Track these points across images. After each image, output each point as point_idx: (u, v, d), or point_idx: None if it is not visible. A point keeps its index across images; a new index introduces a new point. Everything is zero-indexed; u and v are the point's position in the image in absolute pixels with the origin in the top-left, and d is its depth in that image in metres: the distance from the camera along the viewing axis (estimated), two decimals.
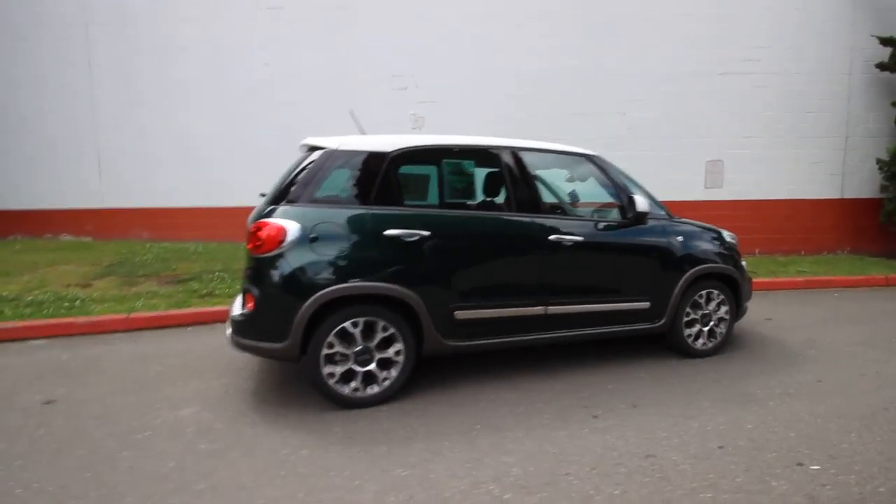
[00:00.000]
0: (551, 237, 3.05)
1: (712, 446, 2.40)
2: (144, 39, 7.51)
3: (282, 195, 2.75)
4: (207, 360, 3.49)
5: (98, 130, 7.59)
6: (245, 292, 2.72)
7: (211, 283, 5.47)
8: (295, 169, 2.85)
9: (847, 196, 7.84)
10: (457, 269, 2.85)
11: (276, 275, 2.60)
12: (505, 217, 3.04)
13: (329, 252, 2.63)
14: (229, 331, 2.79)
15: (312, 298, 2.54)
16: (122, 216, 7.77)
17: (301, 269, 2.59)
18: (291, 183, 2.76)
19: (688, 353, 3.60)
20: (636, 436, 2.49)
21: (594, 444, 2.41)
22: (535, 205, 3.09)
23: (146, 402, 2.81)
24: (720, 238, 3.75)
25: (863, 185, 7.79)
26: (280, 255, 2.60)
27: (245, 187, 7.86)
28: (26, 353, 3.70)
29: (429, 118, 7.53)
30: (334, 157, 2.78)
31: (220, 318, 4.43)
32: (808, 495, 2.00)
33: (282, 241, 2.58)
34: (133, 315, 4.31)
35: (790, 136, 7.69)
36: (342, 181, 2.82)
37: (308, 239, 2.61)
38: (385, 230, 2.71)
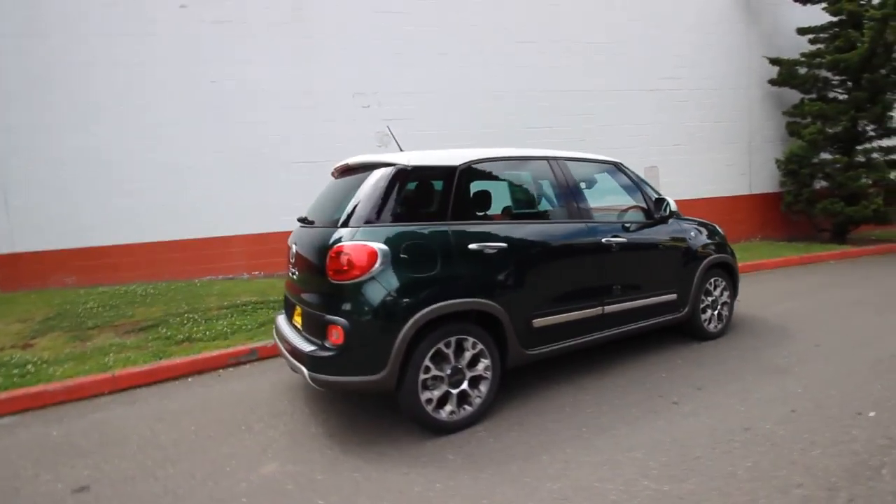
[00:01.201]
0: (603, 240, 3.22)
1: (785, 411, 2.69)
2: (62, 54, 6.52)
3: (353, 216, 2.58)
4: (241, 410, 3.10)
5: (4, 159, 6.37)
6: (325, 325, 2.48)
7: (184, 328, 4.84)
8: (362, 188, 2.69)
9: (755, 192, 9.24)
10: (532, 278, 2.88)
11: (370, 300, 2.42)
12: (569, 224, 3.14)
13: (418, 271, 2.52)
14: (307, 371, 2.51)
15: (412, 321, 2.40)
16: (39, 260, 6.56)
17: (396, 292, 2.44)
18: (362, 203, 2.61)
19: (704, 336, 3.97)
20: (720, 414, 2.70)
21: (695, 427, 2.56)
22: (588, 211, 3.25)
23: (209, 468, 2.42)
24: (716, 231, 4.23)
25: (766, 181, 9.24)
26: (371, 279, 2.42)
27: (195, 217, 7.16)
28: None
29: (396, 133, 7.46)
30: (406, 174, 2.68)
31: (219, 364, 3.98)
32: (886, 436, 2.34)
33: (373, 265, 2.41)
34: (119, 373, 3.66)
35: (708, 142, 8.89)
36: (417, 198, 2.72)
37: (397, 259, 2.47)
38: (468, 244, 2.66)
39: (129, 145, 6.74)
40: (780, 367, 3.35)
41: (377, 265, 2.42)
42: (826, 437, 2.37)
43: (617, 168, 3.67)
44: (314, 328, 2.63)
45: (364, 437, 2.65)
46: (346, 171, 3.14)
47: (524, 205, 3.18)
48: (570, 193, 3.19)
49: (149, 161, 6.79)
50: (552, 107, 8.08)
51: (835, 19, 8.38)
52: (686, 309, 3.77)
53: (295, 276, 2.93)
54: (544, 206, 3.19)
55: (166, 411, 3.17)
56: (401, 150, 3.16)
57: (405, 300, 2.44)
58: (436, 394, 2.56)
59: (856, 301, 5.09)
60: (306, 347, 2.59)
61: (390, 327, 2.40)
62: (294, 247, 2.95)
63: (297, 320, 2.96)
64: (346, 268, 2.41)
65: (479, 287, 2.65)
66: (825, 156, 8.61)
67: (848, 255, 7.76)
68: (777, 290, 5.90)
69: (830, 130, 8.33)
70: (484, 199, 2.91)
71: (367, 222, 2.53)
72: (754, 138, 9.10)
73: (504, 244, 2.77)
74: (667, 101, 8.53)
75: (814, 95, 8.77)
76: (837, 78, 8.41)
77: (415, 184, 2.71)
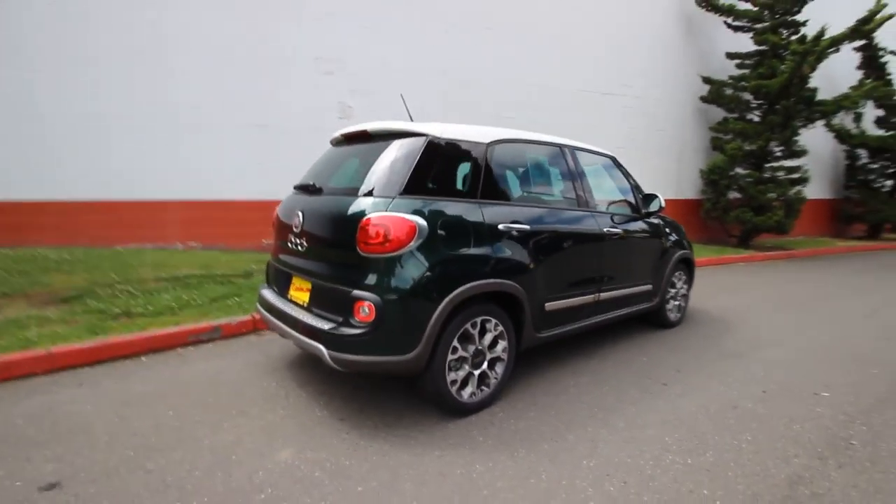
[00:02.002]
0: (604, 230, 3.35)
1: (758, 391, 3.02)
2: None
3: (381, 186, 2.41)
4: (225, 393, 2.78)
5: None
6: (352, 301, 2.28)
7: (118, 300, 4.23)
8: (387, 157, 2.51)
9: (681, 198, 10.20)
10: (549, 263, 2.90)
11: (407, 276, 2.27)
12: (579, 212, 3.20)
13: (454, 248, 2.41)
14: (327, 350, 2.30)
15: (448, 299, 2.30)
16: None
17: (434, 268, 2.32)
18: (391, 173, 2.43)
19: (666, 325, 4.32)
20: (707, 395, 2.96)
21: (691, 406, 2.77)
22: (593, 200, 3.34)
23: (211, 457, 2.14)
24: (680, 229, 4.60)
25: (690, 188, 10.23)
26: (409, 254, 2.27)
27: (122, 176, 6.22)
28: None
29: (358, 108, 7.10)
30: (437, 147, 2.54)
31: (177, 342, 3.55)
32: (844, 412, 2.73)
33: (412, 239, 2.26)
34: (55, 350, 3.09)
35: (647, 148, 9.61)
36: (447, 172, 2.59)
37: (434, 235, 2.34)
38: (498, 224, 2.60)
39: (52, 91, 5.67)
40: (739, 353, 3.75)
41: (415, 239, 2.27)
42: (799, 415, 2.70)
43: (613, 162, 3.83)
44: (332, 304, 2.42)
45: (377, 420, 2.51)
46: (357, 137, 2.90)
47: (543, 189, 3.18)
48: (580, 182, 3.26)
49: (76, 112, 5.77)
50: (514, 99, 8.21)
51: (759, 48, 9.47)
52: (657, 299, 4.07)
53: (301, 248, 2.67)
54: (558, 191, 3.23)
55: (130, 394, 2.74)
56: (411, 121, 2.99)
57: (443, 277, 2.33)
58: (460, 375, 2.49)
59: (778, 298, 5.86)
60: (323, 325, 2.37)
61: (426, 305, 2.28)
62: (299, 215, 2.68)
63: (299, 295, 2.71)
64: (380, 240, 2.24)
65: (506, 268, 2.61)
66: (740, 170, 9.75)
67: (754, 259, 8.90)
68: (707, 287, 6.59)
69: (748, 147, 9.43)
70: (510, 179, 2.87)
71: (400, 194, 2.37)
72: (685, 149, 10.04)
73: (528, 227, 2.75)
74: (618, 105, 9.07)
75: (736, 115, 9.86)
76: (757, 101, 9.53)
77: (445, 157, 2.58)
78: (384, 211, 2.30)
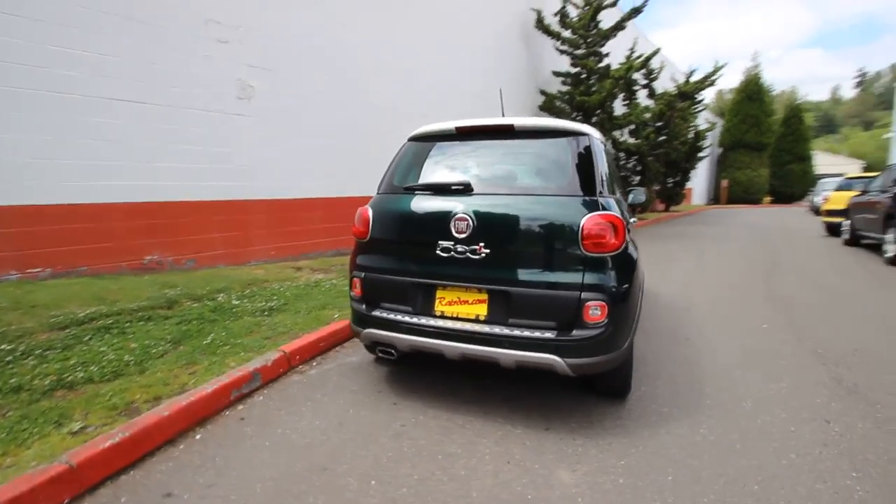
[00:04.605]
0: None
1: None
2: None
3: (586, 185, 2.36)
4: (385, 444, 2.22)
5: None
6: (582, 303, 2.17)
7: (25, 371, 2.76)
8: (570, 155, 2.44)
9: None
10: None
11: (627, 271, 2.28)
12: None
13: (635, 242, 2.56)
14: (563, 359, 2.14)
15: (643, 292, 2.44)
16: None
17: (636, 262, 2.41)
18: (585, 172, 2.40)
19: None
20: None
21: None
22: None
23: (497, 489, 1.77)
24: None
25: None
26: (625, 250, 2.29)
27: None
28: None
29: (260, 89, 5.93)
30: (598, 146, 2.61)
31: (219, 405, 2.58)
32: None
33: (626, 235, 2.30)
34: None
35: None
36: (608, 170, 2.67)
37: (628, 230, 2.43)
38: (631, 218, 2.84)
39: None
40: (684, 338, 4.91)
41: (627, 236, 2.34)
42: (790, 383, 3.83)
43: None
44: (542, 310, 2.23)
45: (581, 420, 2.44)
46: (479, 132, 2.66)
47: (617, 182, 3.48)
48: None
49: None
50: (415, 88, 8.20)
51: (576, 70, 11.79)
52: None
53: (472, 254, 2.32)
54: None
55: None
56: (503, 116, 2.91)
57: (639, 269, 2.45)
58: None
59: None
60: (542, 334, 2.19)
61: (637, 297, 2.37)
62: (468, 218, 2.33)
63: (463, 309, 2.37)
64: (607, 239, 2.21)
65: None
66: None
67: None
68: None
69: None
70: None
71: (600, 193, 2.38)
72: None
73: (633, 219, 3.08)
74: (481, 108, 9.97)
75: None
76: (577, 114, 11.88)
77: (604, 156, 2.66)
78: (605, 210, 2.27)
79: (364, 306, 2.63)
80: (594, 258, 2.23)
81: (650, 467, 2.04)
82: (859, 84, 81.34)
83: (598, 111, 11.21)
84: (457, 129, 2.69)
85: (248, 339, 3.43)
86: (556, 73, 11.83)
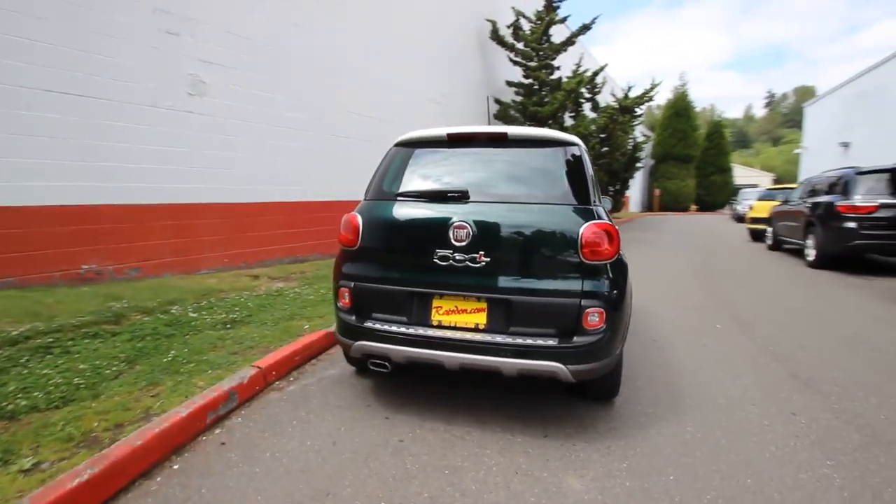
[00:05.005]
0: None
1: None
2: None
3: (581, 194, 2.42)
4: (385, 462, 2.13)
5: None
6: (582, 309, 2.19)
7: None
8: (561, 165, 2.48)
9: None
10: None
11: (622, 278, 2.34)
12: None
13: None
14: (566, 366, 2.15)
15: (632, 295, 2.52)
16: None
17: (627, 268, 2.48)
18: (578, 181, 2.45)
19: None
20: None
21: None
22: None
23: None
24: None
25: None
26: (619, 258, 2.37)
27: None
28: None
29: (214, 86, 5.55)
30: (586, 155, 2.67)
31: (194, 429, 2.36)
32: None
33: (620, 243, 2.37)
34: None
35: None
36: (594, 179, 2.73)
37: None
38: None
39: None
40: (651, 340, 5.16)
41: (620, 243, 2.40)
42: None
43: None
44: (542, 318, 2.24)
45: (577, 426, 2.47)
46: (469, 139, 2.64)
47: None
48: None
49: None
50: (363, 99, 8.06)
51: (528, 82, 12.14)
52: None
53: (471, 262, 2.29)
54: None
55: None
56: (490, 123, 2.93)
57: (627, 275, 2.53)
58: None
59: None
60: (544, 342, 2.20)
61: (628, 303, 2.44)
62: (468, 226, 2.30)
63: (461, 318, 2.33)
64: (605, 247, 2.26)
65: None
66: None
67: None
68: None
69: None
70: None
71: (594, 202, 2.44)
72: None
73: None
74: (440, 115, 10.01)
75: None
76: (530, 124, 12.22)
77: (589, 165, 2.73)
78: (601, 219, 2.32)
79: (354, 317, 2.52)
80: (592, 266, 2.27)
81: (651, 468, 2.10)
82: (768, 104, 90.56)
83: (550, 121, 11.62)
84: (448, 135, 2.66)
85: (213, 356, 3.17)
86: (510, 83, 12.14)
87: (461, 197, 2.44)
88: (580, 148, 2.62)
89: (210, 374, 2.89)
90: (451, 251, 2.34)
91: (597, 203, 2.48)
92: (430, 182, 2.60)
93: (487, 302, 2.33)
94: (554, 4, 12.35)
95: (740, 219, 18.97)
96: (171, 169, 5.19)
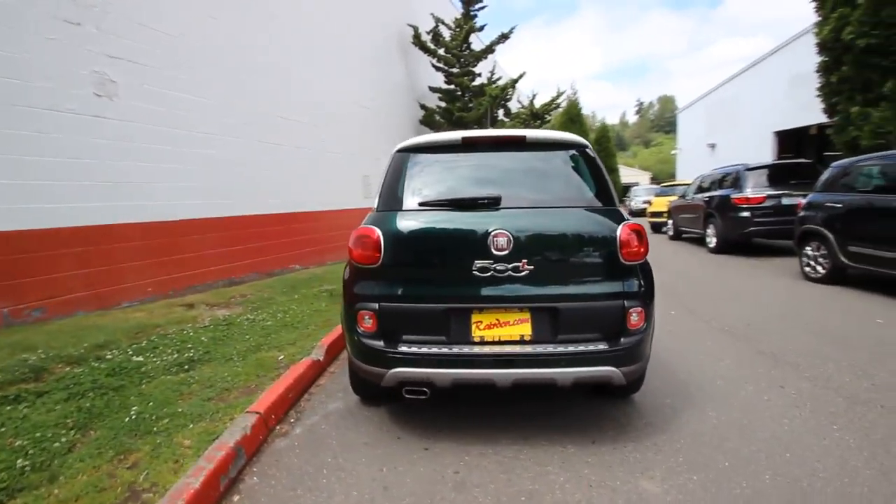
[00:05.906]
0: None
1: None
2: None
3: (604, 196, 2.46)
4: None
5: None
6: (626, 311, 2.19)
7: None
8: (580, 168, 2.49)
9: None
10: None
11: (651, 277, 2.38)
12: None
13: None
14: (619, 369, 2.14)
15: None
16: None
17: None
18: (601, 183, 2.49)
19: None
20: None
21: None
22: None
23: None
24: None
25: None
26: (646, 256, 2.42)
27: None
28: None
29: (125, 86, 4.72)
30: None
31: (210, 497, 1.96)
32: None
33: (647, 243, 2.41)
34: None
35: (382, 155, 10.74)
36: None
37: None
38: None
39: None
40: None
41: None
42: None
43: None
44: (588, 322, 2.20)
45: (596, 435, 2.46)
46: (508, 143, 2.56)
47: None
48: None
49: None
50: (298, 100, 7.52)
51: (450, 87, 12.27)
52: None
53: (515, 272, 2.17)
54: None
55: None
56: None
57: None
58: None
59: None
60: (595, 347, 2.17)
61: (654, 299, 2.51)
62: (507, 235, 2.18)
63: (504, 331, 2.21)
64: (637, 247, 2.29)
65: None
66: None
67: None
68: None
69: None
70: None
71: (616, 203, 2.47)
72: None
73: None
74: (371, 119, 9.71)
75: None
76: (455, 129, 12.35)
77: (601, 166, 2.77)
78: (630, 219, 2.35)
79: (382, 342, 2.27)
80: (629, 266, 2.30)
81: (705, 458, 2.17)
82: (638, 111, 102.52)
83: (476, 125, 11.88)
84: (463, 139, 2.53)
85: (186, 405, 2.68)
86: (433, 89, 12.18)
87: (492, 203, 2.32)
88: (591, 149, 2.66)
89: (192, 428, 2.42)
90: (491, 261, 2.21)
91: (619, 204, 2.53)
92: (453, 189, 2.44)
93: (531, 311, 2.24)
94: (472, 13, 12.66)
95: (634, 213, 21.14)
96: (76, 185, 4.31)
